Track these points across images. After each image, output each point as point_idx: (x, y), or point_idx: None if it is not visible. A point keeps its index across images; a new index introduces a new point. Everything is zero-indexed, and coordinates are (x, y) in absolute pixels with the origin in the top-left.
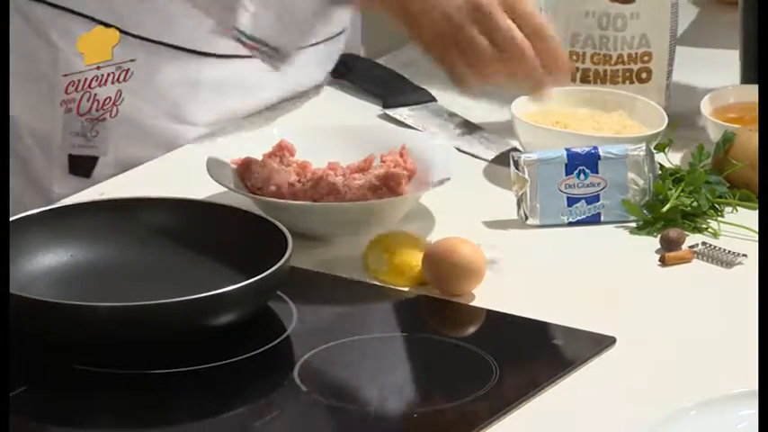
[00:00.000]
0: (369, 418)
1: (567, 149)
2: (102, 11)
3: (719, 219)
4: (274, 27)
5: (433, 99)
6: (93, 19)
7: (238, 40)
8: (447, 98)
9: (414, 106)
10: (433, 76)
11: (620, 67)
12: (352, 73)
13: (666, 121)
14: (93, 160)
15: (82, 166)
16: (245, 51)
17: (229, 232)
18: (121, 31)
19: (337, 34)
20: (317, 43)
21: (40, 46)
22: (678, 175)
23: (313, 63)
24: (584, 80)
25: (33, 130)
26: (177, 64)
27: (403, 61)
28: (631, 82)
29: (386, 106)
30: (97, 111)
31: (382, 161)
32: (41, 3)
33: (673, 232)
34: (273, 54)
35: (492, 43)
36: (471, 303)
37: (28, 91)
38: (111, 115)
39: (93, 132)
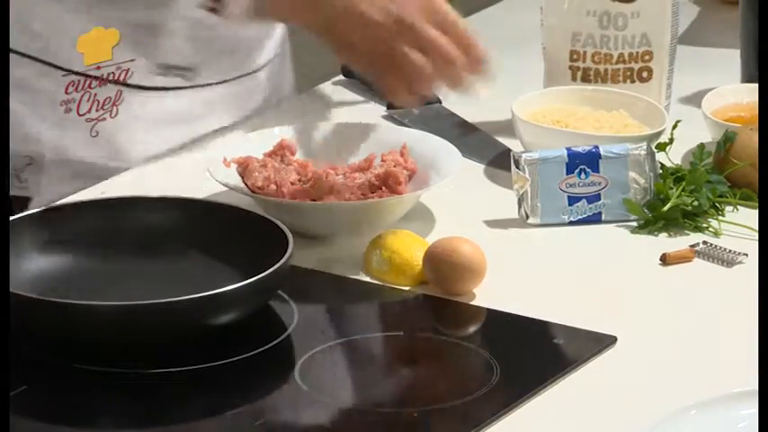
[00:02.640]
0: (369, 417)
1: (568, 148)
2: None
3: (720, 218)
4: (189, 51)
5: (439, 100)
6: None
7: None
8: (451, 99)
9: (418, 107)
10: None
11: (620, 66)
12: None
13: (667, 120)
14: (25, 201)
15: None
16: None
17: (229, 232)
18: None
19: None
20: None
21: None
22: (679, 175)
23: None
24: (585, 79)
25: None
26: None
27: None
28: (632, 81)
29: (390, 107)
30: (97, 111)
31: (383, 160)
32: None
33: None
34: (185, 74)
35: (421, 53)
36: (472, 302)
37: None
38: (111, 115)
39: (25, 174)
